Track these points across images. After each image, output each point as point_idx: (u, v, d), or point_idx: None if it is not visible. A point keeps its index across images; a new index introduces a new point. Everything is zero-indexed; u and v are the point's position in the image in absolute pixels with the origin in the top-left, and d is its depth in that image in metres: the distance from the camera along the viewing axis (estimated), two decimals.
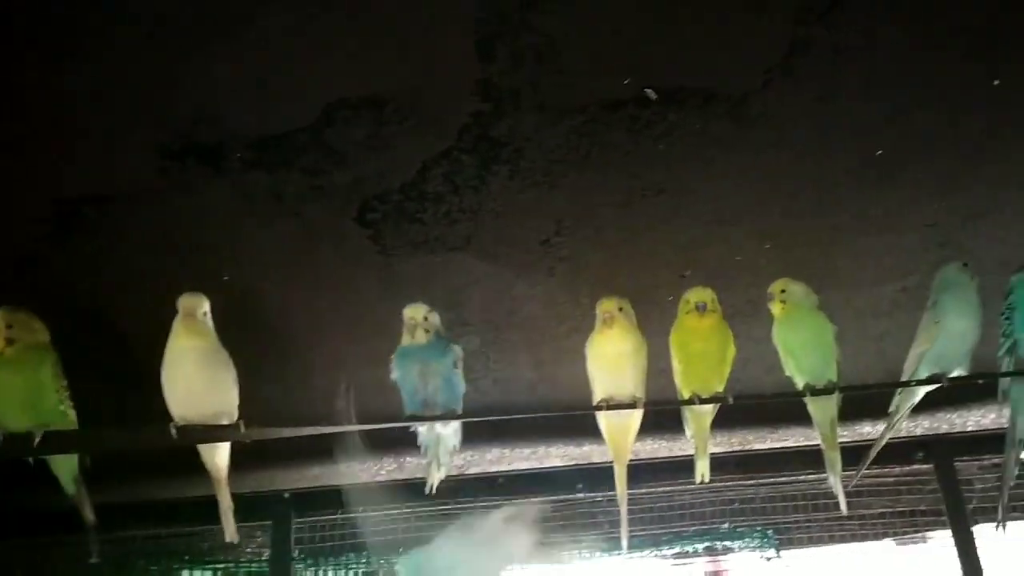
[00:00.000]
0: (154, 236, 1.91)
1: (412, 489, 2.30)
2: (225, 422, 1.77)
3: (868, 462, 2.05)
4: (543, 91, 1.69)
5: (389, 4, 1.47)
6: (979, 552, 2.51)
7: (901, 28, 1.63)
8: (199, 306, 1.77)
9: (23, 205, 1.78)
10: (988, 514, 2.58)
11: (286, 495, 2.75)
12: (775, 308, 1.85)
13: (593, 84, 1.69)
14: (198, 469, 1.91)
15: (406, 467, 2.66)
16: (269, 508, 2.72)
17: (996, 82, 1.69)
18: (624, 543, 1.97)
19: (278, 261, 2.01)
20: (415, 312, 1.86)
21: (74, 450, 1.87)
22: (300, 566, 2.78)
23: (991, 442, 2.46)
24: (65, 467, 1.92)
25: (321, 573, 2.85)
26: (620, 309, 1.82)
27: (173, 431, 1.73)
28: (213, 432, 1.79)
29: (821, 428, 1.91)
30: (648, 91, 1.71)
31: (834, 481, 1.94)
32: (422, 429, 1.94)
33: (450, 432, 1.94)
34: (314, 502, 2.78)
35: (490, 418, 2.23)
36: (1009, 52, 1.65)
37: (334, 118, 1.66)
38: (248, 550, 2.74)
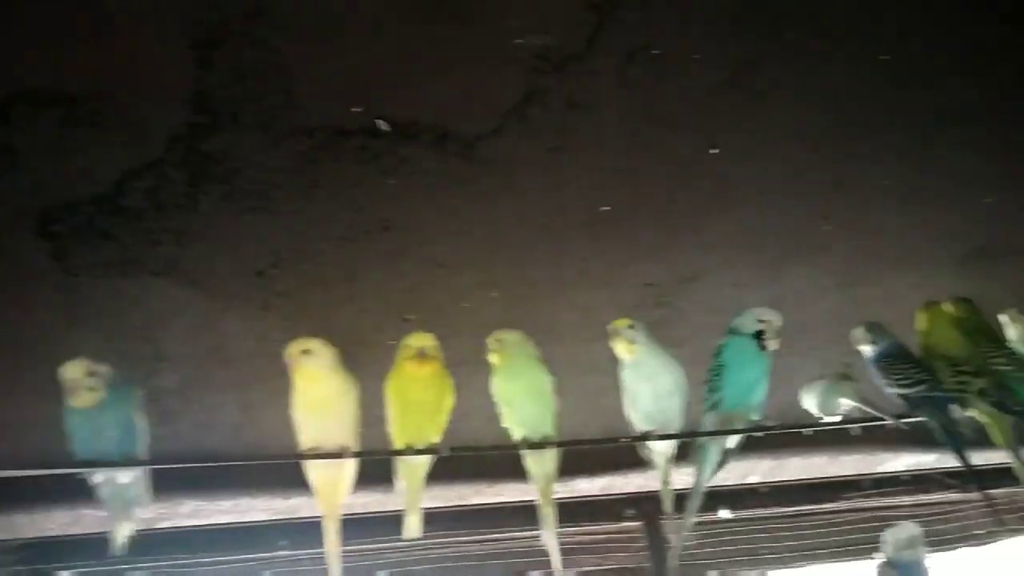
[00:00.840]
0: None
1: (92, 545, 2.00)
2: None
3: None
4: (267, 110, 1.56)
5: None
6: None
7: (631, 90, 1.67)
8: None
9: None
10: (692, 571, 2.67)
11: None
12: (492, 358, 1.80)
13: (322, 108, 1.59)
14: None
15: (84, 520, 2.33)
16: None
17: (714, 151, 1.76)
18: None
19: None
20: (74, 372, 1.61)
21: None
22: None
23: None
24: None
25: None
26: (305, 352, 1.69)
27: None
28: None
29: (538, 482, 1.88)
30: (380, 122, 1.63)
31: (548, 537, 1.90)
32: (98, 478, 1.69)
33: (132, 481, 1.71)
34: None
35: (184, 465, 1.99)
36: (727, 124, 1.73)
37: (11, 113, 1.43)
38: None
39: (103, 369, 1.64)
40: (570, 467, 1.96)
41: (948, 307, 1.90)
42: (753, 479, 2.63)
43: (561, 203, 1.84)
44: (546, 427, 1.79)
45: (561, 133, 1.71)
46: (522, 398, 1.78)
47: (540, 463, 1.85)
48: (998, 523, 2.73)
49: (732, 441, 1.87)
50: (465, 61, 1.58)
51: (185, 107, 1.51)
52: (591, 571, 2.65)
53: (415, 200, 1.76)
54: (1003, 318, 2.00)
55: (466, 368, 1.81)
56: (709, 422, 1.82)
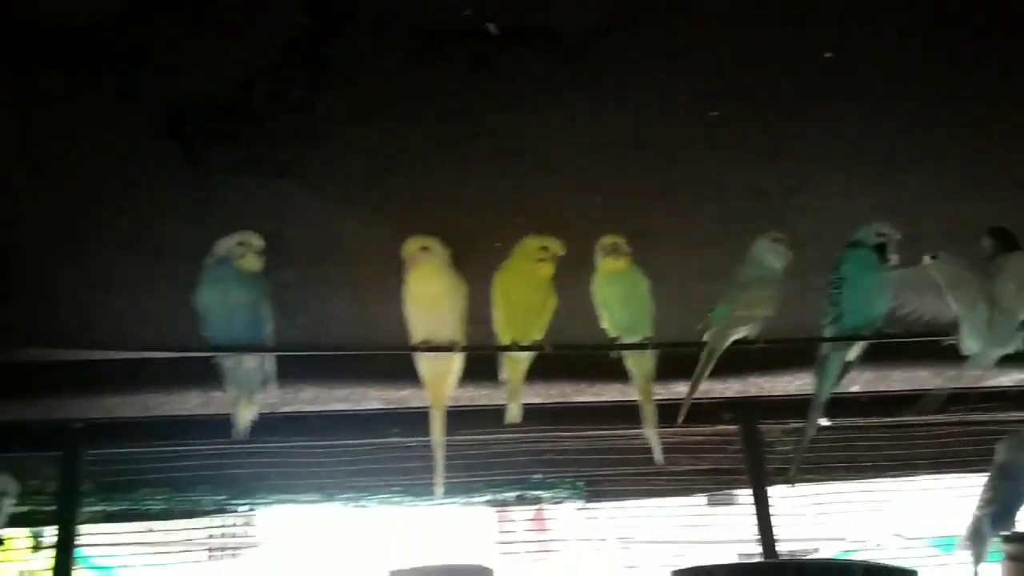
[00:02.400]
0: None
1: (220, 425, 2.17)
2: None
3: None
4: (380, 12, 1.59)
5: None
6: (772, 512, 2.62)
7: None
8: None
9: None
10: (784, 476, 2.70)
11: (78, 425, 2.55)
12: (609, 261, 1.84)
13: (432, 10, 1.60)
14: None
15: (214, 402, 2.52)
16: (58, 438, 2.52)
17: (828, 55, 1.71)
18: (439, 490, 1.94)
19: (72, 172, 1.83)
20: (249, 237, 1.81)
21: None
22: (91, 500, 2.59)
23: (795, 407, 2.56)
24: None
25: (113, 509, 2.66)
26: (423, 249, 1.78)
27: None
28: None
29: (637, 382, 1.95)
30: (489, 25, 1.64)
31: (650, 434, 1.98)
32: (228, 363, 1.83)
33: (255, 367, 1.85)
34: (110, 433, 2.59)
35: (303, 353, 2.13)
36: (841, 25, 1.67)
37: (142, 15, 1.50)
38: (33, 483, 2.52)
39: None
40: (668, 370, 2.01)
41: None
42: (855, 389, 2.63)
43: (669, 107, 1.82)
44: (644, 329, 1.84)
45: (672, 37, 1.68)
46: (621, 301, 1.84)
47: (639, 363, 1.92)
48: None
49: (853, 353, 1.89)
50: None
51: (302, 11, 1.55)
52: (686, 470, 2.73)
53: (522, 105, 1.76)
54: None
55: (570, 270, 1.86)
56: (828, 334, 1.84)
